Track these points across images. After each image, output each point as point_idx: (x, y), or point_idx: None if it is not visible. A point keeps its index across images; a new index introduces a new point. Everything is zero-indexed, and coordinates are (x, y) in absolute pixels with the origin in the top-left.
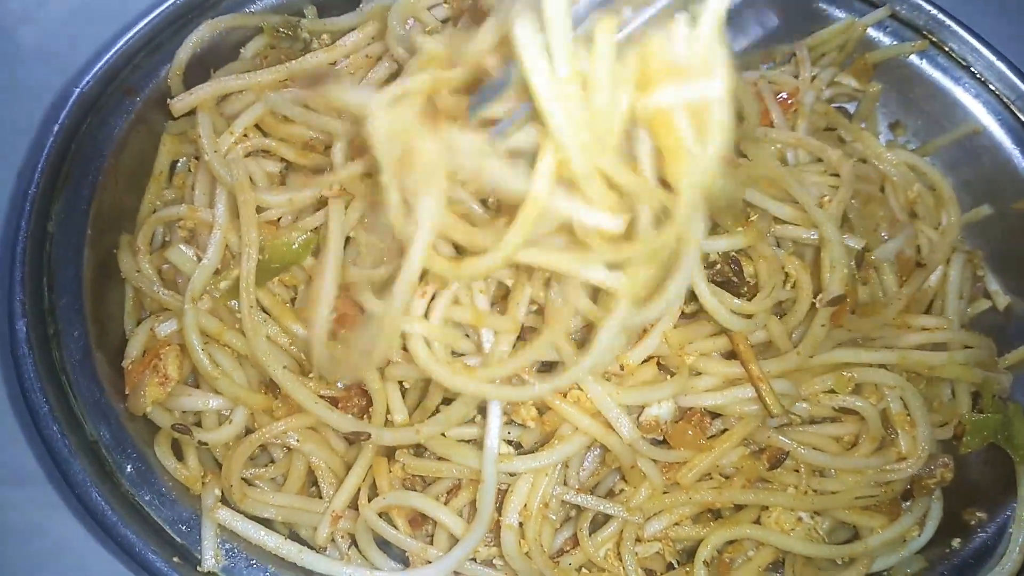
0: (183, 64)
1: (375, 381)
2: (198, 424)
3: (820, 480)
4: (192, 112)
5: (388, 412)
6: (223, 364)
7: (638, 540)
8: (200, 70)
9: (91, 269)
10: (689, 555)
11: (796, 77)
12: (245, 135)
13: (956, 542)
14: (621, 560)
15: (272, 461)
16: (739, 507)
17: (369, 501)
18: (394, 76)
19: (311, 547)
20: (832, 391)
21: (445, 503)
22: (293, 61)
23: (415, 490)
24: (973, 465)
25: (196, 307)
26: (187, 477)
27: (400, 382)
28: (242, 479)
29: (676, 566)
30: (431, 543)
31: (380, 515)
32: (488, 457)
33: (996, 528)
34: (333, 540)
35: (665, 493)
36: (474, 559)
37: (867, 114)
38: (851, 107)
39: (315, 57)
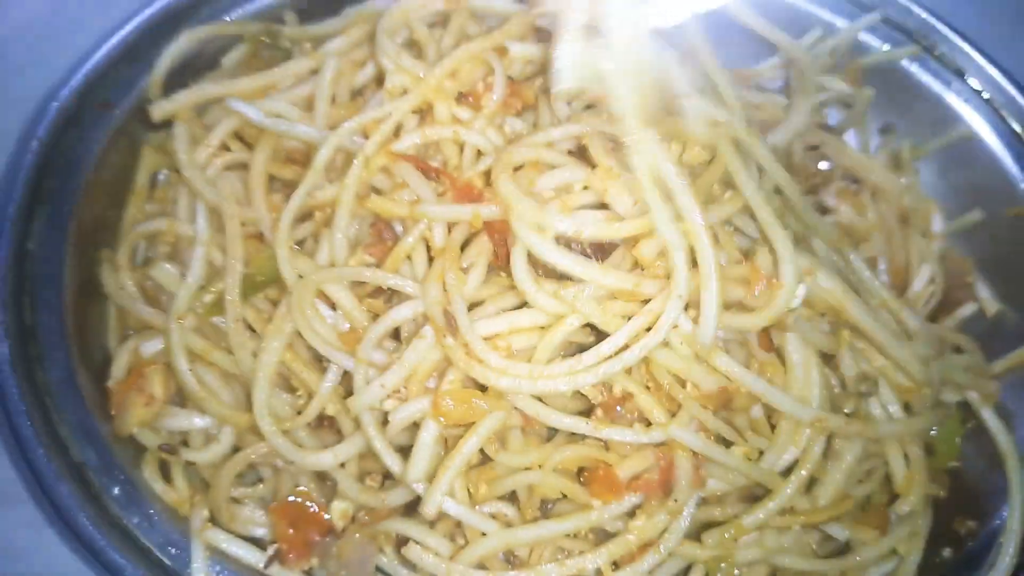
0: (163, 74)
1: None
2: (185, 443)
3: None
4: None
5: None
6: (209, 383)
7: None
8: (180, 81)
9: (73, 287)
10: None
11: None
12: (226, 147)
13: (947, 552)
14: None
15: (260, 480)
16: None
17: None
18: (380, 79)
19: None
20: None
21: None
22: (275, 68)
23: None
24: (963, 475)
25: (182, 325)
26: (175, 500)
27: None
28: (231, 498)
29: None
30: None
31: None
32: None
33: (986, 538)
34: None
35: None
36: None
37: (857, 119)
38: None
39: (297, 64)
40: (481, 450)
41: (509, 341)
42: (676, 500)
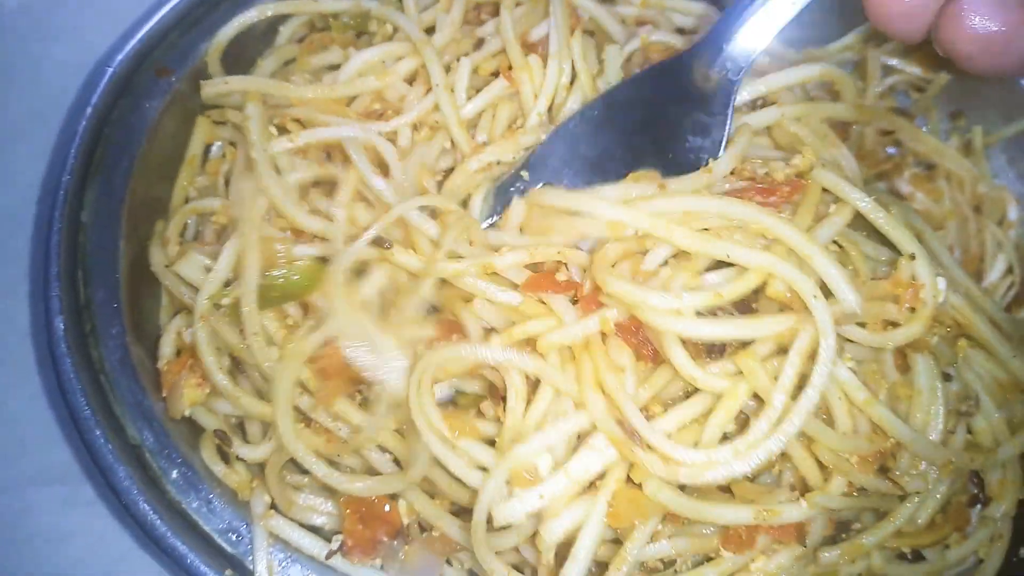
0: (223, 45)
1: None
2: (242, 427)
3: None
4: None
5: None
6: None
7: None
8: (236, 50)
9: (127, 260)
10: None
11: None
12: (286, 129)
13: None
14: None
15: None
16: None
17: None
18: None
19: None
20: None
21: None
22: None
23: None
24: None
25: (208, 323)
26: (237, 482)
27: None
28: (287, 484)
29: None
30: None
31: None
32: None
33: None
34: None
35: None
36: None
37: (928, 104)
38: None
39: (359, 57)
40: None
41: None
42: (806, 546)
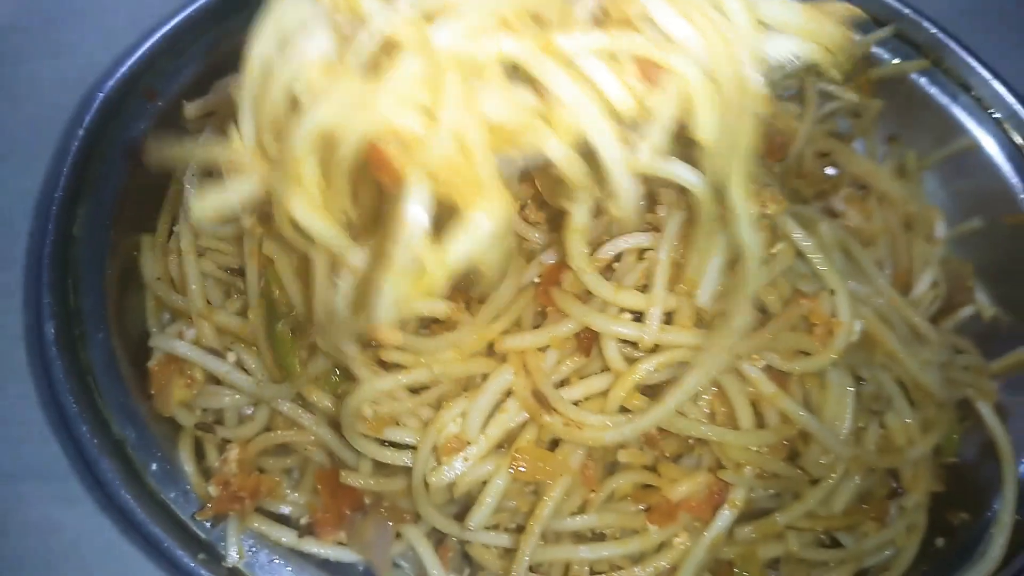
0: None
1: None
2: (219, 421)
3: None
4: (209, 115)
5: None
6: (247, 364)
7: None
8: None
9: (114, 272)
10: None
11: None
12: None
13: (940, 541)
14: None
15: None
16: None
17: None
18: None
19: None
20: None
21: None
22: None
23: None
24: (959, 469)
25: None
26: (202, 492)
27: None
28: (259, 470)
29: None
30: None
31: None
32: None
33: (978, 529)
34: None
35: None
36: None
37: (866, 128)
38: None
39: None
40: None
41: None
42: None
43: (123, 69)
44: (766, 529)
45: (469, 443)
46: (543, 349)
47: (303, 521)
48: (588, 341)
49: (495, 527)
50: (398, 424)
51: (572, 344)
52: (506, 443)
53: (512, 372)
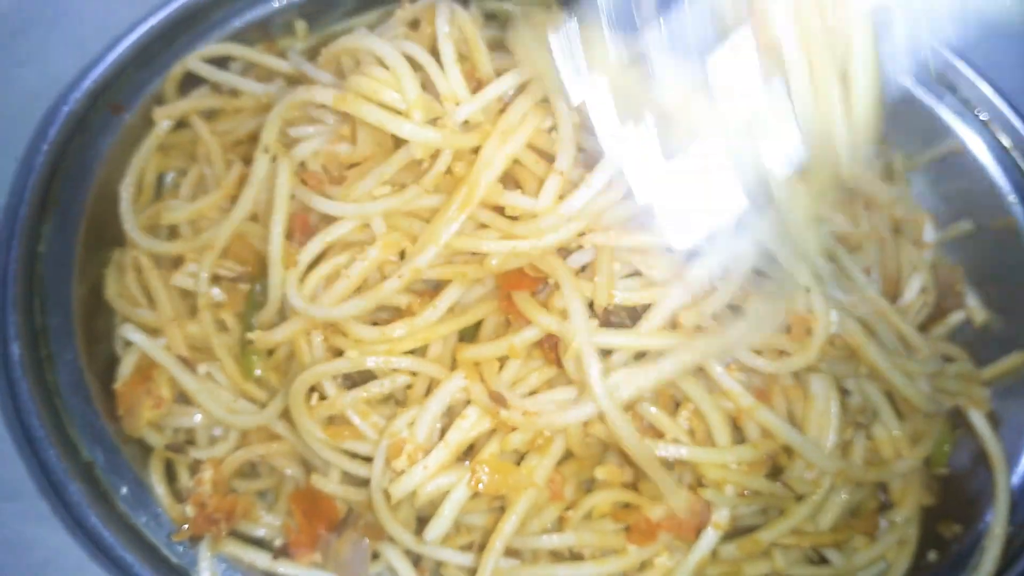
0: (179, 76)
1: None
2: (190, 441)
3: None
4: (183, 125)
5: None
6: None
7: None
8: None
9: (81, 290)
10: None
11: None
12: None
13: (932, 555)
14: None
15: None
16: None
17: None
18: None
19: None
20: None
21: None
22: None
23: None
24: (950, 480)
25: (176, 332)
26: (174, 512)
27: None
28: (232, 492)
29: None
30: None
31: None
32: None
33: (971, 541)
34: None
35: None
36: None
37: None
38: None
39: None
40: None
41: None
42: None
43: (88, 81)
44: (751, 548)
45: (428, 452)
46: (502, 360)
47: (277, 543)
48: (555, 351)
49: (468, 547)
50: (360, 438)
51: (539, 354)
52: (471, 457)
53: (463, 377)
